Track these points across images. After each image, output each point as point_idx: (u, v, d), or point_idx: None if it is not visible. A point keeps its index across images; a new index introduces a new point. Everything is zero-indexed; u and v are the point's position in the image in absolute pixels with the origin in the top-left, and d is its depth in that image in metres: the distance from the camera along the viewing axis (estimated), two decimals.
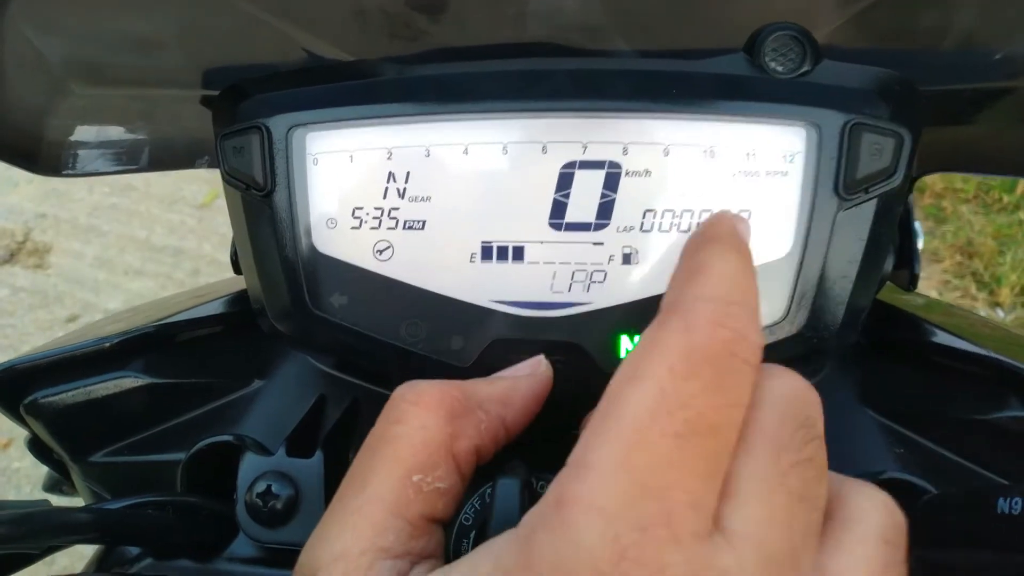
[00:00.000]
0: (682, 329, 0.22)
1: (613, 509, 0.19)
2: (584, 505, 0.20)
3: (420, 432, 0.26)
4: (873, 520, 0.23)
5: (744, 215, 0.32)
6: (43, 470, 0.65)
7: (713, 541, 0.20)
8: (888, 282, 0.41)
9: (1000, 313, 1.83)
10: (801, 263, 0.32)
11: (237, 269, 0.41)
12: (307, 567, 0.24)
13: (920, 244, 0.38)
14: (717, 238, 0.27)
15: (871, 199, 0.32)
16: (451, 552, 0.28)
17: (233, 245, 0.40)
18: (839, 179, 0.32)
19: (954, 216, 2.00)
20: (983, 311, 1.83)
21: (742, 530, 0.20)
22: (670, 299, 0.24)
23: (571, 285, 0.34)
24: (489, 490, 0.29)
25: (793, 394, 0.24)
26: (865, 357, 0.41)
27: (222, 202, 2.08)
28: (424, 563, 0.24)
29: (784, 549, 0.21)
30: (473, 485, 0.31)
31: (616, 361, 0.33)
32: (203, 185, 2.12)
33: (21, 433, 0.45)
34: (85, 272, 1.99)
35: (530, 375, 0.31)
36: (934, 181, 2.03)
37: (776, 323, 0.33)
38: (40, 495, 0.48)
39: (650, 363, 0.22)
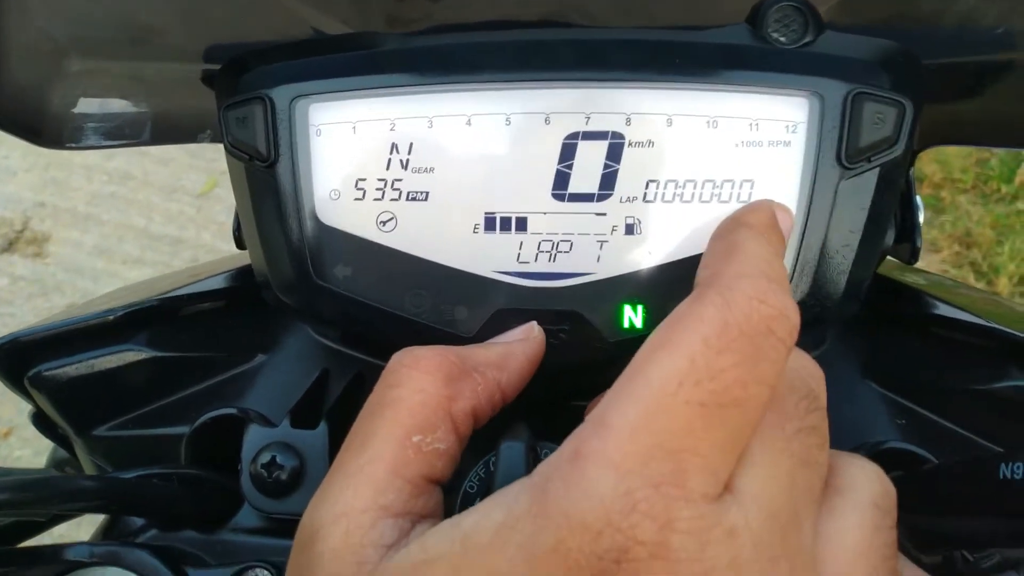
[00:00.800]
0: (721, 304, 0.22)
1: (628, 466, 0.20)
2: (600, 460, 0.20)
3: (418, 395, 0.26)
4: (865, 488, 0.24)
5: (747, 185, 0.33)
6: (44, 458, 0.66)
7: (722, 500, 0.20)
8: (889, 258, 0.42)
9: None
10: (803, 232, 0.32)
11: (240, 243, 0.41)
12: (308, 527, 0.24)
13: (921, 218, 0.39)
14: (751, 224, 0.27)
15: (873, 168, 0.32)
16: None
17: (236, 218, 0.40)
18: (841, 148, 0.32)
19: (952, 206, 2.00)
20: None
21: (749, 490, 0.21)
22: (706, 276, 0.25)
23: (574, 256, 0.34)
24: (493, 458, 0.30)
25: (798, 367, 0.24)
26: (867, 330, 0.42)
27: (220, 191, 2.08)
28: (424, 522, 0.24)
29: (788, 509, 0.22)
30: (477, 454, 0.31)
31: (619, 331, 0.34)
32: (201, 174, 2.12)
33: (22, 422, 0.45)
34: (84, 261, 1.99)
35: (524, 339, 0.32)
36: (932, 171, 2.03)
37: None
38: None
39: (683, 333, 0.22)
